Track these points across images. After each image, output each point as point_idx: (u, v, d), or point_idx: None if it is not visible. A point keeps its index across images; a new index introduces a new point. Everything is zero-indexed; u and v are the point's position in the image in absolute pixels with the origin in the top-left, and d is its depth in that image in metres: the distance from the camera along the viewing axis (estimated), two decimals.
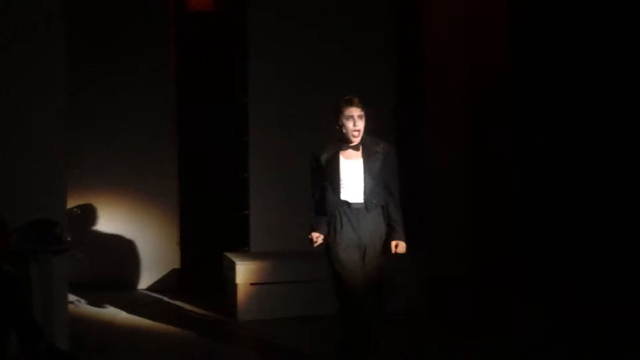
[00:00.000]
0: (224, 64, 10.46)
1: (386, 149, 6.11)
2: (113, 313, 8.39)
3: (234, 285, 8.28)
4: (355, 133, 5.98)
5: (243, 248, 8.97)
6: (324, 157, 6.09)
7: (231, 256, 8.56)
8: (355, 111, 5.99)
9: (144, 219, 9.50)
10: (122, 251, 9.45)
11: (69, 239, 6.90)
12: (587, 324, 7.63)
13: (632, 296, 8.19)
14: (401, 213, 6.15)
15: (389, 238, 6.15)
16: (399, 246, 6.12)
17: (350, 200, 6.06)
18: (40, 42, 6.78)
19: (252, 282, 8.24)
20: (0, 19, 6.61)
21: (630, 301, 8.11)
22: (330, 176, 6.06)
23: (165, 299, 9.01)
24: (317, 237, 6.14)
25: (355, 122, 5.97)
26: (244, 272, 8.25)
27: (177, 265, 9.55)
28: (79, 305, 8.42)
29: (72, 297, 7.82)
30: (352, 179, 6.05)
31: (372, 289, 6.12)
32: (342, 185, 6.05)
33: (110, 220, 9.43)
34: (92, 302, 8.73)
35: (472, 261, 9.74)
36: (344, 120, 5.98)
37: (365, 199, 6.04)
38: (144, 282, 9.44)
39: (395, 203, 6.13)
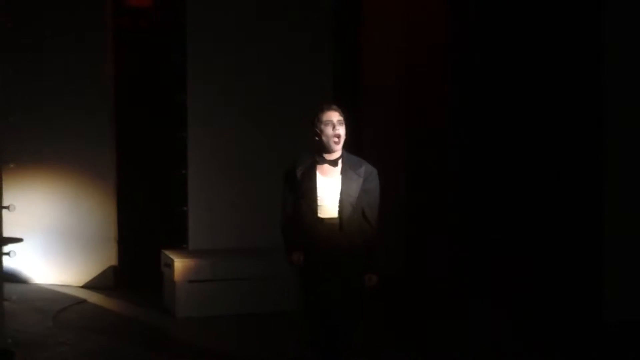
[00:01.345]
0: (162, 61, 10.38)
1: (367, 170, 5.55)
2: (48, 310, 8.34)
3: (172, 283, 8.28)
4: (336, 139, 5.45)
5: (181, 245, 8.96)
6: (299, 171, 5.55)
7: (169, 253, 8.56)
8: (334, 115, 5.49)
9: (80, 215, 9.44)
10: (59, 247, 9.40)
11: (3, 235, 6.88)
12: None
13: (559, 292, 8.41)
14: (376, 242, 5.59)
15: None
16: (371, 279, 5.55)
17: (326, 218, 5.51)
18: None
19: (190, 279, 8.26)
20: None
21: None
22: (306, 192, 5.51)
23: (102, 295, 8.98)
24: (299, 257, 5.55)
25: (335, 127, 5.44)
26: (182, 269, 8.25)
27: (114, 262, 9.51)
28: (13, 301, 8.30)
29: (7, 294, 7.73)
30: (328, 197, 5.49)
31: (347, 316, 5.57)
32: (318, 203, 5.50)
33: (47, 216, 9.41)
34: (27, 299, 8.65)
35: (409, 265, 9.87)
36: (322, 127, 5.45)
37: (341, 222, 5.48)
38: (81, 278, 9.38)
39: (372, 231, 5.57)
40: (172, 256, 8.42)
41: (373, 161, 5.60)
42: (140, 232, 10.01)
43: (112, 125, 9.58)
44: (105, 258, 9.49)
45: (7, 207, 6.86)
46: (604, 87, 7.98)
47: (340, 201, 5.48)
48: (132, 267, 9.64)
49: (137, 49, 10.62)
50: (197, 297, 8.25)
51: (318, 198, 5.49)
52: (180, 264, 8.26)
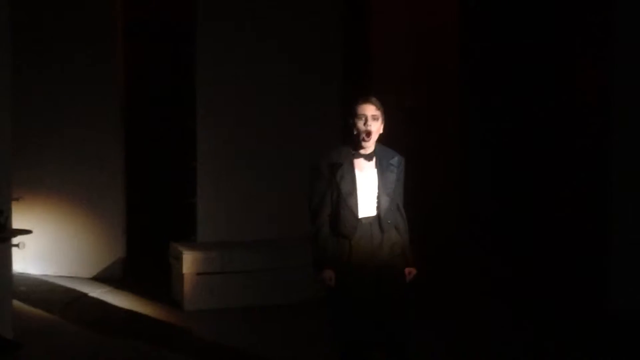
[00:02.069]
0: (172, 51, 10.43)
1: (400, 161, 5.33)
2: (56, 301, 8.38)
3: (180, 275, 8.30)
4: (366, 135, 5.17)
5: (190, 237, 8.98)
6: (335, 167, 5.24)
7: (178, 246, 8.58)
8: (369, 109, 5.18)
9: (89, 207, 9.47)
10: (68, 239, 9.43)
11: (13, 227, 6.84)
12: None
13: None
14: (409, 233, 5.39)
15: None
16: (411, 273, 5.34)
17: (363, 218, 5.25)
18: None
19: (198, 272, 8.27)
20: None
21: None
22: (347, 190, 5.20)
23: (111, 288, 9.00)
24: (331, 277, 5.17)
25: (366, 122, 5.15)
26: (191, 262, 8.27)
27: (123, 254, 9.54)
28: (22, 292, 8.42)
29: (16, 285, 7.79)
30: (366, 194, 5.24)
31: (398, 316, 5.27)
32: (359, 202, 5.22)
33: (56, 208, 9.42)
34: (35, 290, 8.70)
35: None
36: (355, 120, 5.17)
37: (379, 218, 5.25)
38: (90, 271, 9.41)
39: (405, 224, 5.39)
40: (180, 248, 8.44)
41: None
42: (149, 225, 10.06)
43: (122, 117, 9.59)
44: (114, 250, 9.51)
45: (17, 245, 6.91)
46: (612, 85, 8.03)
47: (378, 196, 5.25)
48: (141, 260, 9.66)
49: (146, 42, 10.71)
50: (205, 290, 8.28)
51: (359, 197, 5.23)
52: (188, 256, 8.29)
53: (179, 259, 8.37)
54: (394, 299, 5.23)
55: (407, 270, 5.33)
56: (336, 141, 8.93)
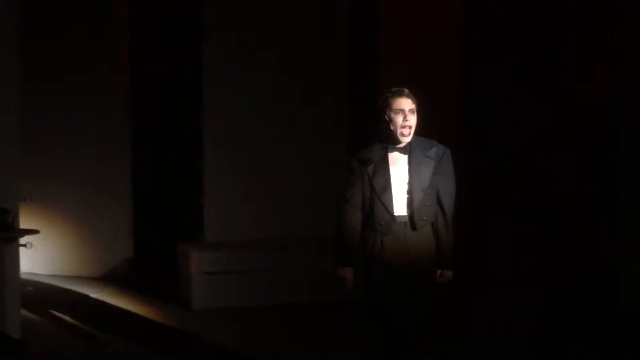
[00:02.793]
0: (178, 50, 10.51)
1: (439, 152, 5.14)
2: (64, 301, 8.42)
3: (188, 275, 8.35)
4: (405, 131, 5.06)
5: (197, 237, 9.03)
6: (370, 163, 5.12)
7: (185, 245, 8.64)
8: (406, 103, 5.06)
9: (97, 207, 9.51)
10: (75, 239, 9.50)
11: (20, 227, 6.92)
12: None
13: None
14: (452, 234, 5.19)
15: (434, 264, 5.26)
16: (444, 275, 5.21)
17: (396, 216, 5.11)
18: None
19: (206, 271, 8.32)
20: None
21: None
22: (380, 186, 5.08)
23: (118, 287, 9.04)
24: (351, 277, 5.18)
25: (406, 117, 5.04)
26: (198, 261, 8.32)
27: (130, 254, 9.59)
28: (30, 292, 8.46)
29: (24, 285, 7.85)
30: (401, 190, 5.11)
31: (411, 315, 5.19)
32: (393, 199, 5.08)
33: (64, 209, 9.47)
34: (43, 289, 8.77)
35: None
36: (392, 115, 5.05)
37: (412, 215, 5.10)
38: (97, 270, 9.47)
39: (446, 221, 5.17)
40: (188, 248, 8.50)
41: None
42: (157, 224, 10.16)
43: (128, 119, 9.63)
44: (121, 250, 9.57)
45: (24, 245, 7.00)
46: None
47: (410, 190, 5.10)
48: (148, 260, 9.70)
49: (153, 41, 10.76)
50: (212, 289, 8.32)
51: (393, 194, 5.09)
52: (196, 255, 8.34)
53: (186, 258, 8.41)
54: (412, 300, 5.11)
55: (440, 271, 5.18)
56: (342, 143, 9.10)
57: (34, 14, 8.87)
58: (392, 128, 5.04)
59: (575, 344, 6.99)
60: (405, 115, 5.02)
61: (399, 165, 5.10)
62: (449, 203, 5.14)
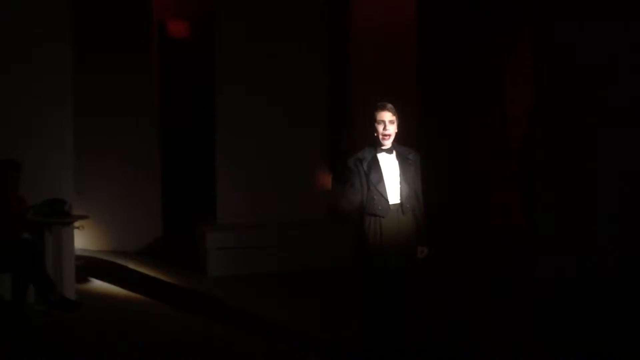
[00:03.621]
0: (198, 57, 10.94)
1: (416, 157, 5.77)
2: (108, 270, 8.94)
3: (204, 250, 8.87)
4: (386, 137, 5.64)
5: (212, 219, 9.38)
6: (365, 161, 5.69)
7: (202, 226, 9.16)
8: (386, 116, 5.64)
9: (133, 197, 10.07)
10: (116, 222, 10.01)
11: (74, 213, 7.62)
12: None
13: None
14: (425, 218, 5.78)
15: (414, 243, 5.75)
16: (424, 251, 5.77)
17: (392, 205, 5.69)
18: (52, 52, 7.45)
19: (219, 247, 8.86)
20: (16, 32, 7.30)
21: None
22: (376, 179, 5.64)
23: (150, 259, 9.53)
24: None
25: (385, 127, 5.63)
26: (213, 239, 8.85)
27: (160, 234, 10.25)
28: (83, 264, 8.88)
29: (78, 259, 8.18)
30: (390, 182, 5.68)
31: (404, 275, 5.70)
32: (387, 189, 5.65)
33: (108, 199, 9.98)
34: (93, 262, 9.24)
35: None
36: (376, 124, 5.65)
37: (402, 202, 5.67)
38: (134, 246, 10.00)
39: (422, 209, 5.76)
40: (204, 228, 8.99)
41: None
42: (180, 210, 10.52)
43: (157, 122, 10.17)
44: (153, 230, 10.17)
45: (78, 228, 7.44)
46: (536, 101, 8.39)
47: (401, 186, 5.65)
48: (174, 237, 10.19)
49: (176, 51, 11.12)
50: (224, 261, 8.81)
51: (386, 184, 5.62)
52: (211, 234, 8.85)
53: (203, 237, 8.91)
54: (406, 267, 5.67)
55: (419, 248, 5.76)
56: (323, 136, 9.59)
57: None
58: (375, 134, 5.69)
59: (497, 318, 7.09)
60: (385, 125, 5.65)
61: (386, 163, 5.69)
62: (421, 195, 5.79)
